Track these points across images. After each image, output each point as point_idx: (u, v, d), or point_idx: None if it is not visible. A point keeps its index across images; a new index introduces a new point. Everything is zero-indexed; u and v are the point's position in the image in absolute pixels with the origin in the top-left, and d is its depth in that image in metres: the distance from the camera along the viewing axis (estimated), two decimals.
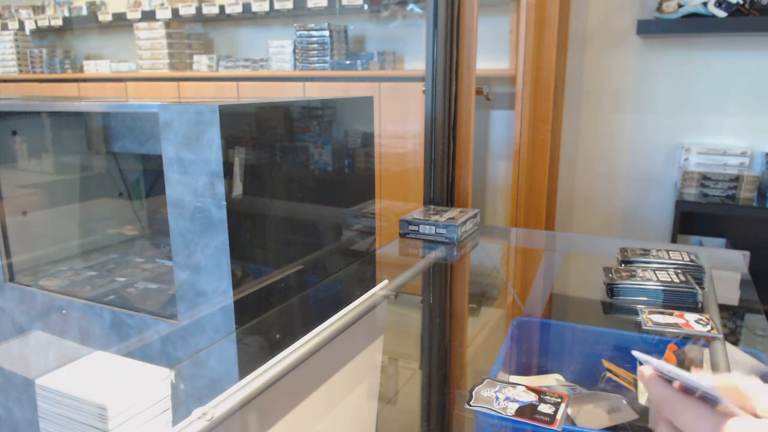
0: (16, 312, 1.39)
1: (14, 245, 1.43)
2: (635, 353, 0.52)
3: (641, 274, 1.23)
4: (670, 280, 1.19)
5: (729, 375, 0.47)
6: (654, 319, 1.03)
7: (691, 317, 1.03)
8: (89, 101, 1.39)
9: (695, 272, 1.25)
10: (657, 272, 1.23)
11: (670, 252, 1.34)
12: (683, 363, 0.94)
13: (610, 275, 1.24)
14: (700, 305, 1.14)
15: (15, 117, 1.47)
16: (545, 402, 0.82)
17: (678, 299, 1.15)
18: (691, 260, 1.30)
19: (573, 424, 0.95)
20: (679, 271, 1.24)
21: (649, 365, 0.50)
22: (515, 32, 2.58)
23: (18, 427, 1.43)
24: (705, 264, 1.30)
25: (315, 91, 2.98)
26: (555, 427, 0.77)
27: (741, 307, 1.22)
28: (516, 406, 0.81)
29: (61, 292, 1.32)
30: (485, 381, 0.89)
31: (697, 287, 1.15)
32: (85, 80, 3.96)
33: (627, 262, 1.33)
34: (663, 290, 1.17)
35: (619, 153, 2.67)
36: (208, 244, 1.05)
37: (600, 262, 1.35)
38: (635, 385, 1.04)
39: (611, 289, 1.21)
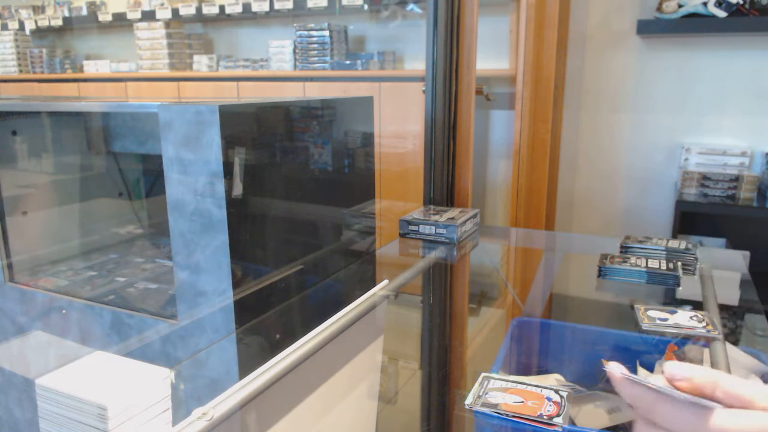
0: (16, 312, 1.39)
1: (14, 245, 1.43)
2: (608, 366, 0.52)
3: (633, 261, 1.30)
4: (657, 266, 1.26)
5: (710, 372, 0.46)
6: (650, 314, 1.04)
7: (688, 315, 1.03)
8: (89, 101, 1.39)
9: (686, 257, 1.32)
10: (649, 260, 1.30)
11: (669, 241, 1.41)
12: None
13: (605, 260, 1.31)
14: (679, 289, 1.21)
15: (15, 117, 1.47)
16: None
17: (661, 281, 1.23)
18: (686, 248, 1.35)
19: (573, 424, 0.95)
20: (671, 259, 1.31)
21: (617, 367, 0.49)
22: (515, 32, 2.58)
23: (18, 427, 1.43)
24: (700, 254, 1.35)
25: (315, 91, 2.98)
26: (555, 428, 0.77)
27: (741, 307, 1.23)
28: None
29: (61, 292, 1.32)
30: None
31: (680, 273, 1.21)
32: (85, 80, 3.96)
33: (626, 248, 1.39)
34: (647, 272, 1.24)
35: (619, 153, 2.67)
36: (208, 244, 1.05)
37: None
38: None
39: (600, 270, 1.28)
